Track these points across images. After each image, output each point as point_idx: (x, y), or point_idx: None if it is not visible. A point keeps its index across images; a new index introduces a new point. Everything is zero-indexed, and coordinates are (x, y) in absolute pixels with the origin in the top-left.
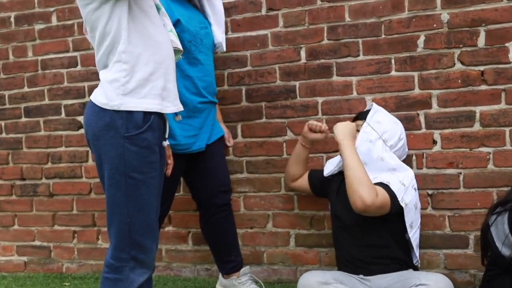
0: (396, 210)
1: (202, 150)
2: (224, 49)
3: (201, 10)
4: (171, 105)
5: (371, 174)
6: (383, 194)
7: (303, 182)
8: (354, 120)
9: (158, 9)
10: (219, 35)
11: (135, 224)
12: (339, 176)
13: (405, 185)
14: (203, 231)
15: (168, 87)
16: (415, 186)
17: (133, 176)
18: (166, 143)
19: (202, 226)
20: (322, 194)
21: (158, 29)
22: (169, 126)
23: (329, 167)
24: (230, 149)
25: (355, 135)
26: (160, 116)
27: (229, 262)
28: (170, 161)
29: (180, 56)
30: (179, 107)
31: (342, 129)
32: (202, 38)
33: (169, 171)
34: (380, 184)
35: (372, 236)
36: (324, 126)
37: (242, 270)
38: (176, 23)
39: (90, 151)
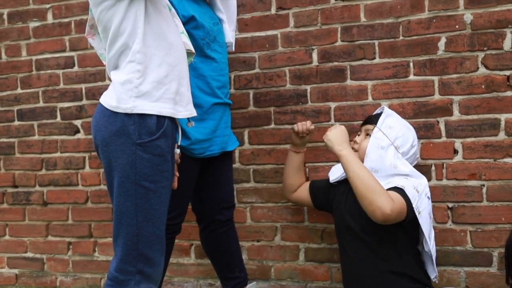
0: (411, 217)
1: (215, 156)
2: (233, 49)
3: (211, 6)
4: (184, 110)
5: (382, 180)
6: (399, 199)
7: (304, 192)
8: (363, 124)
9: (169, 9)
10: (229, 33)
11: (144, 236)
12: (345, 183)
13: (418, 191)
14: (204, 246)
15: (181, 91)
16: (429, 195)
17: (144, 185)
18: (178, 151)
19: (203, 241)
20: (323, 206)
21: (171, 30)
22: (181, 133)
23: (336, 173)
24: (236, 156)
25: (348, 139)
26: (173, 122)
27: (234, 279)
28: (177, 173)
29: (192, 59)
30: (192, 113)
31: (336, 138)
32: (215, 36)
33: (175, 184)
34: (395, 188)
35: (386, 244)
36: (309, 124)
37: (249, 286)
38: (190, 19)
39: (87, 158)
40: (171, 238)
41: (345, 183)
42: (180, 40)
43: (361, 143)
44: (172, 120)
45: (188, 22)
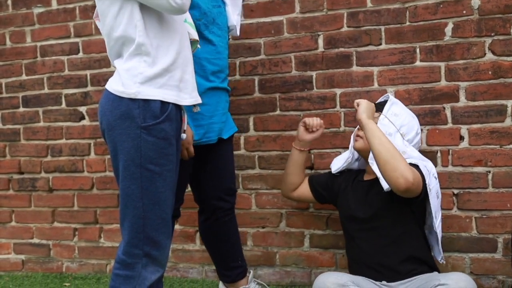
0: (424, 193)
1: (212, 143)
2: (238, 33)
3: None
4: (189, 97)
5: None
6: (417, 172)
7: (305, 189)
8: None
9: None
10: (234, 17)
11: (150, 219)
12: (349, 173)
13: (428, 170)
14: (205, 236)
15: (185, 78)
16: (436, 175)
17: (149, 168)
18: (184, 135)
19: (205, 231)
20: (326, 199)
21: (174, 18)
22: (186, 119)
23: (337, 164)
24: (242, 143)
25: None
26: (177, 108)
27: (236, 268)
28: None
29: (198, 46)
30: (197, 99)
31: (368, 108)
32: (214, 17)
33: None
34: (410, 164)
35: (398, 226)
36: (320, 122)
37: (250, 277)
38: None
39: (92, 144)
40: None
41: (348, 174)
42: (184, 28)
43: None
44: (177, 106)
45: None
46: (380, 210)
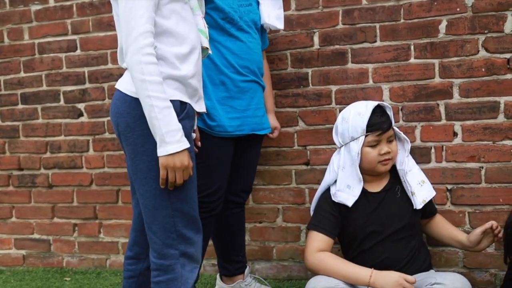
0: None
1: (245, 138)
2: (282, 26)
3: None
4: (196, 106)
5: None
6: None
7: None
8: (381, 133)
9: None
10: (267, 14)
11: (179, 217)
12: (363, 198)
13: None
14: (215, 225)
15: (196, 85)
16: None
17: None
18: (194, 135)
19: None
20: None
21: (189, 26)
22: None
23: (348, 197)
24: None
25: None
26: (191, 106)
27: (236, 262)
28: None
29: (209, 52)
30: (202, 109)
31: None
32: (241, 16)
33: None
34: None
35: (416, 234)
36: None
37: (247, 271)
38: (208, 1)
39: (91, 141)
40: (208, 217)
41: (360, 199)
42: (197, 36)
43: (394, 150)
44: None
45: (207, 2)
46: (406, 223)
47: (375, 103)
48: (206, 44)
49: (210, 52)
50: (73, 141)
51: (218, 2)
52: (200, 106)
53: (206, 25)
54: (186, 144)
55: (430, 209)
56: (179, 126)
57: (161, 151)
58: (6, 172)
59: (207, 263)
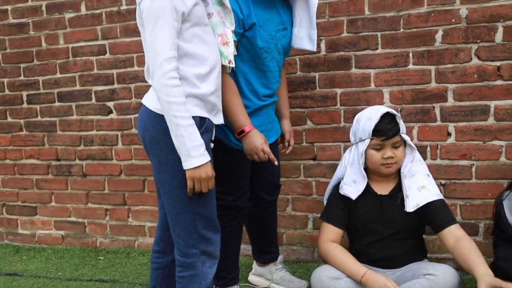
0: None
1: None
2: (311, 49)
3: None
4: (215, 119)
5: (424, 176)
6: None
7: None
8: (386, 139)
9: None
10: (299, 38)
11: (199, 220)
12: (365, 196)
13: (429, 175)
14: (249, 221)
15: (215, 101)
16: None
17: None
18: (211, 145)
19: (250, 217)
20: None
21: (210, 47)
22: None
23: (353, 191)
24: None
25: None
26: (210, 120)
27: (271, 253)
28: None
29: (233, 67)
30: (220, 121)
31: None
32: (276, 43)
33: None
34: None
35: (414, 234)
36: None
37: (279, 259)
38: (251, 27)
39: (120, 135)
40: (239, 216)
41: (365, 196)
42: (217, 55)
43: (399, 155)
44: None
45: (249, 29)
46: (403, 226)
47: (386, 110)
48: (225, 63)
49: (233, 67)
50: (104, 135)
51: (260, 30)
52: (218, 119)
53: (232, 38)
54: (209, 157)
55: (432, 217)
56: (202, 141)
57: (187, 165)
58: (46, 162)
59: (244, 247)
